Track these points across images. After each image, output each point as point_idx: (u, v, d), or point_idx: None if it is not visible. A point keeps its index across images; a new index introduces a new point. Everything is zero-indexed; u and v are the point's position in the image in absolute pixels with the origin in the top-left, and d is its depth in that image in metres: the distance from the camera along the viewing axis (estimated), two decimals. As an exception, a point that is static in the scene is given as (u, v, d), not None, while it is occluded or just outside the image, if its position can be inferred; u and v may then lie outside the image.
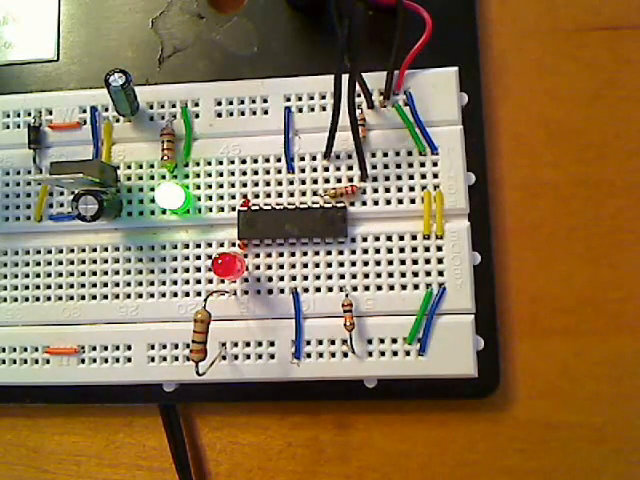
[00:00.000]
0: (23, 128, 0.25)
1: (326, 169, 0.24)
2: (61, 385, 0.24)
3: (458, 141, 0.24)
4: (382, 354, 0.23)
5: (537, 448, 0.24)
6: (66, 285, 0.24)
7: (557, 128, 0.25)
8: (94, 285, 0.24)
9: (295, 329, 0.23)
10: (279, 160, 0.24)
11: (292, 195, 0.24)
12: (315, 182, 0.24)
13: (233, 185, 0.24)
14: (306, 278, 0.24)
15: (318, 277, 0.24)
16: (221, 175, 0.24)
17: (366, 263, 0.23)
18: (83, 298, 0.24)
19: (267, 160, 0.24)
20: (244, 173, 0.24)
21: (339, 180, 0.24)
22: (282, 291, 0.24)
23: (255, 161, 0.24)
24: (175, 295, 0.24)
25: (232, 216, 0.24)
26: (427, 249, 0.23)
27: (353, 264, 0.23)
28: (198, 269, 0.24)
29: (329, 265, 0.23)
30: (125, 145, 0.25)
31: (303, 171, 0.24)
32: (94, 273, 0.24)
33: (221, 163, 0.24)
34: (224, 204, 0.24)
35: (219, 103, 0.25)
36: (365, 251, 0.23)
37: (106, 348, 0.24)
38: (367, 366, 0.23)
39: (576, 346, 0.24)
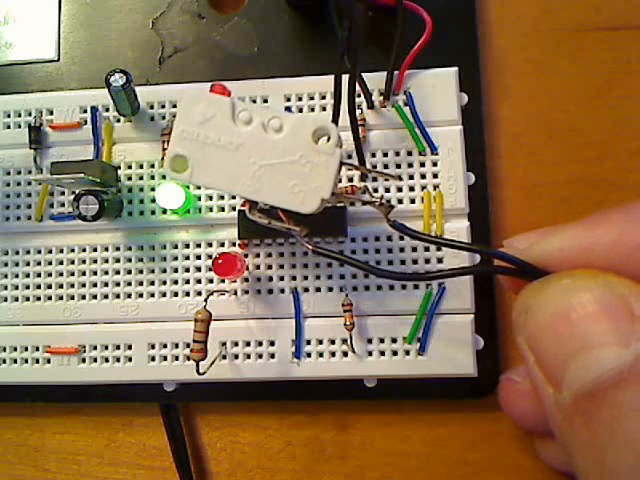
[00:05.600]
0: (24, 128, 0.25)
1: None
2: (62, 384, 0.24)
3: (458, 141, 0.24)
4: (382, 354, 0.23)
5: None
6: (67, 285, 0.25)
7: (557, 128, 0.25)
8: (95, 285, 0.24)
9: (295, 329, 0.23)
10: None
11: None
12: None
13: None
14: (306, 278, 0.24)
15: (318, 277, 0.24)
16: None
17: (366, 263, 0.23)
18: (84, 298, 0.24)
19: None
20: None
21: (339, 180, 0.24)
22: (282, 291, 0.24)
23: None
24: (175, 295, 0.24)
25: (232, 216, 0.24)
26: (427, 249, 0.23)
27: (353, 264, 0.23)
28: (198, 269, 0.24)
29: (329, 265, 0.24)
30: (126, 145, 0.25)
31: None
32: (95, 273, 0.24)
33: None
34: (224, 204, 0.24)
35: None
36: (365, 251, 0.24)
37: (107, 347, 0.24)
38: (367, 365, 0.23)
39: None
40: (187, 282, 0.24)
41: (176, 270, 0.24)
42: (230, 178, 0.19)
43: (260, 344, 0.24)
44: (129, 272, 0.24)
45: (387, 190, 0.24)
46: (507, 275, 0.19)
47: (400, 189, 0.24)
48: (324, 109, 0.24)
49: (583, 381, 0.15)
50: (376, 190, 0.24)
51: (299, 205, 0.19)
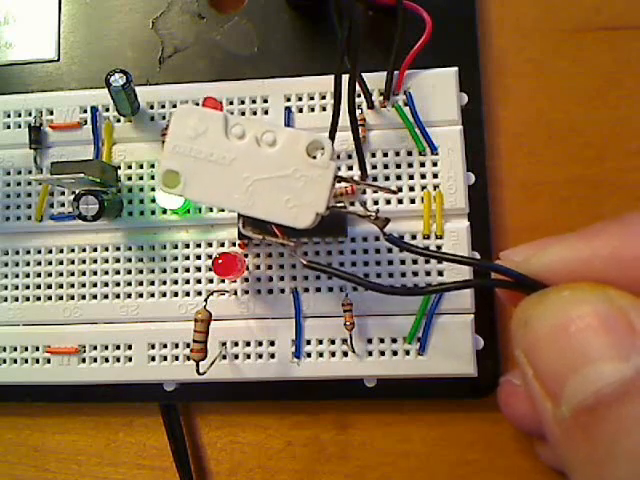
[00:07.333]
0: (24, 128, 0.25)
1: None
2: (62, 384, 0.24)
3: (458, 141, 0.24)
4: (382, 353, 0.23)
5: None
6: (67, 285, 0.25)
7: (557, 128, 0.25)
8: (95, 285, 0.24)
9: (295, 329, 0.23)
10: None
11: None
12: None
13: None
14: (306, 278, 0.24)
15: (318, 277, 0.24)
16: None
17: (366, 263, 0.23)
18: (84, 298, 0.24)
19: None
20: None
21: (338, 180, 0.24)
22: (282, 291, 0.24)
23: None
24: (175, 295, 0.24)
25: (232, 216, 0.24)
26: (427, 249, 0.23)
27: (353, 264, 0.23)
28: (198, 269, 0.24)
29: (329, 265, 0.23)
30: (126, 145, 0.25)
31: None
32: (95, 273, 0.24)
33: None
34: (224, 204, 0.24)
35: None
36: (365, 251, 0.24)
37: (107, 347, 0.24)
38: (367, 365, 0.23)
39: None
40: (187, 282, 0.24)
41: (176, 270, 0.24)
42: (223, 193, 0.19)
43: (260, 344, 0.24)
44: (129, 272, 0.24)
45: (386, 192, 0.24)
46: (505, 288, 0.19)
47: (400, 189, 0.24)
48: (324, 109, 0.24)
49: (583, 395, 0.14)
50: (376, 191, 0.24)
51: (293, 220, 0.18)
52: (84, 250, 0.25)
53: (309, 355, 0.23)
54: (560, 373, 0.15)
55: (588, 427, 0.14)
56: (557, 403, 0.15)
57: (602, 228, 0.17)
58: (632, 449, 0.14)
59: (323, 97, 0.24)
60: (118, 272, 0.24)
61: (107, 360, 0.24)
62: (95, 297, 0.24)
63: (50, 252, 0.25)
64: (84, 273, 0.25)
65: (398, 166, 0.24)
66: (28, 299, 0.25)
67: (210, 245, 0.24)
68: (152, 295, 0.24)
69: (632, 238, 0.16)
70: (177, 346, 0.24)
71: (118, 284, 0.24)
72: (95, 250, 0.25)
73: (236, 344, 0.24)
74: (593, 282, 0.16)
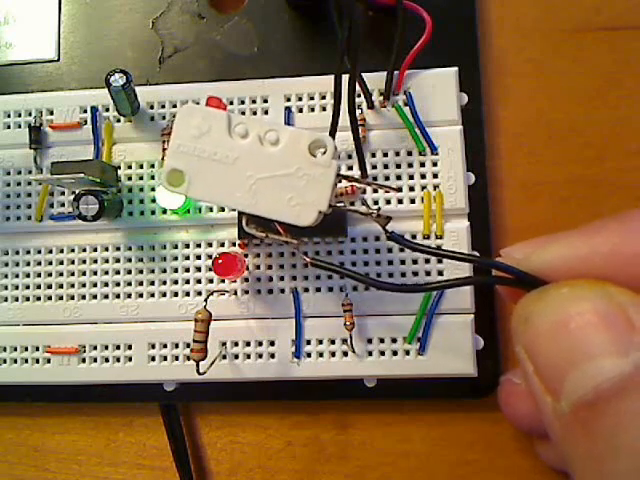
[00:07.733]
0: (24, 128, 0.25)
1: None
2: (62, 384, 0.24)
3: (458, 141, 0.24)
4: (382, 353, 0.23)
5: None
6: (67, 285, 0.25)
7: (557, 128, 0.25)
8: (95, 285, 0.24)
9: (295, 329, 0.23)
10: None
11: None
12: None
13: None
14: (306, 278, 0.24)
15: (318, 277, 0.24)
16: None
17: (366, 263, 0.23)
18: (84, 298, 0.24)
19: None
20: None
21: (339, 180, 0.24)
22: (282, 291, 0.24)
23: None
24: (175, 295, 0.24)
25: (232, 216, 0.24)
26: (427, 249, 0.23)
27: (353, 264, 0.23)
28: (198, 269, 0.24)
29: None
30: (126, 145, 0.25)
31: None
32: (95, 273, 0.24)
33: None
34: (224, 204, 0.24)
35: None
36: (365, 251, 0.24)
37: (107, 347, 0.24)
38: (367, 365, 0.23)
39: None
40: (187, 282, 0.24)
41: (176, 270, 0.24)
42: (226, 191, 0.19)
43: (260, 344, 0.24)
44: (129, 272, 0.24)
45: (387, 191, 0.24)
46: (506, 285, 0.19)
47: (400, 189, 0.24)
48: (324, 109, 0.24)
49: (583, 390, 0.15)
50: (376, 190, 0.24)
51: (296, 218, 0.19)
52: (84, 250, 0.25)
53: (309, 355, 0.23)
54: (560, 369, 0.15)
55: (588, 422, 0.14)
56: (557, 398, 0.15)
57: (602, 225, 0.17)
58: (631, 444, 0.14)
59: (323, 97, 0.24)
60: (118, 272, 0.24)
61: (107, 360, 0.24)
62: (95, 297, 0.24)
63: (50, 252, 0.25)
64: (84, 273, 0.25)
65: (398, 166, 0.24)
66: (28, 299, 0.25)
67: (210, 245, 0.24)
68: (152, 295, 0.24)
69: (631, 235, 0.16)
70: (177, 346, 0.24)
71: (118, 284, 0.24)
72: (95, 250, 0.25)
73: (236, 344, 0.24)
74: (592, 279, 0.16)
